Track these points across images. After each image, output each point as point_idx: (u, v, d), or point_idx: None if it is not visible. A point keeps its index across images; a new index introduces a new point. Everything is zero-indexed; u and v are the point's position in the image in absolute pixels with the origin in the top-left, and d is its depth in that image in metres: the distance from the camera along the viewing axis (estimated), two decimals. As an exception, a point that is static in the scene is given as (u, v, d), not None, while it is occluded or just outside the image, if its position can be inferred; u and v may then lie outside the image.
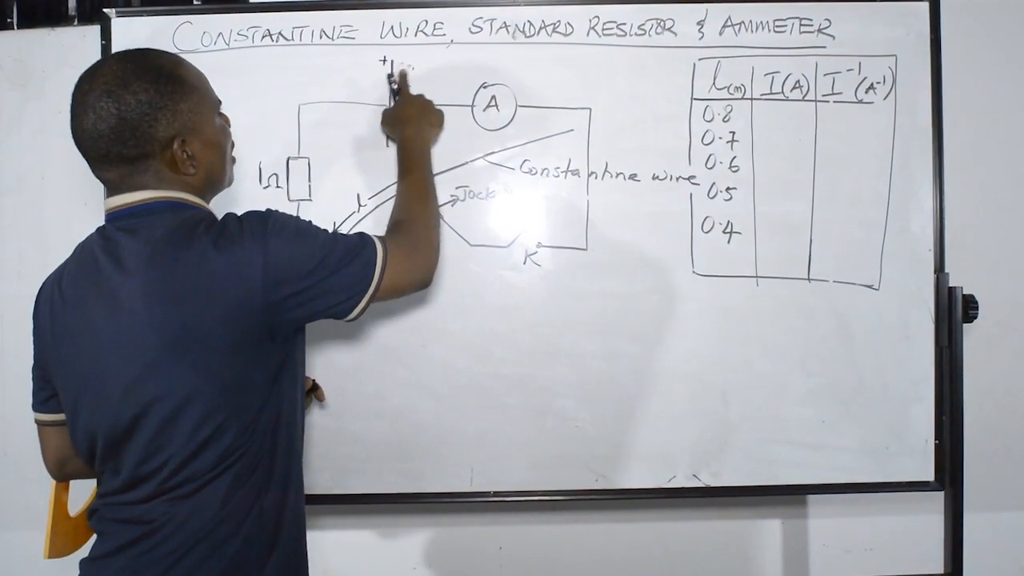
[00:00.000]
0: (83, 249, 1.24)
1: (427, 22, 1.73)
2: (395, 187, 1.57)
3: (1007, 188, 2.04)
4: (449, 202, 1.73)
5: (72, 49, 2.01)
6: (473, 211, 1.74)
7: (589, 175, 1.74)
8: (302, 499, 1.33)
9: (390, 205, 1.69)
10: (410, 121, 1.61)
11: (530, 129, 1.74)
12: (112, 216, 1.20)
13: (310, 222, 1.24)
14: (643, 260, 1.74)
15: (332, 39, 1.73)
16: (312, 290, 1.18)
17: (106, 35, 1.75)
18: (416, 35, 1.73)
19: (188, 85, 1.20)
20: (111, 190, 1.20)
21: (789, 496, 2.08)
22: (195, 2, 2.03)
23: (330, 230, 1.25)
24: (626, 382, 1.76)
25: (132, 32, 1.74)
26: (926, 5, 1.74)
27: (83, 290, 1.19)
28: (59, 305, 1.22)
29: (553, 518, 2.11)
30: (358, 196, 1.72)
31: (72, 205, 2.03)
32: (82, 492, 1.74)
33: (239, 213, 1.20)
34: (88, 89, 1.14)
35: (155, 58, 1.19)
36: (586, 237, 1.74)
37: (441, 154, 1.72)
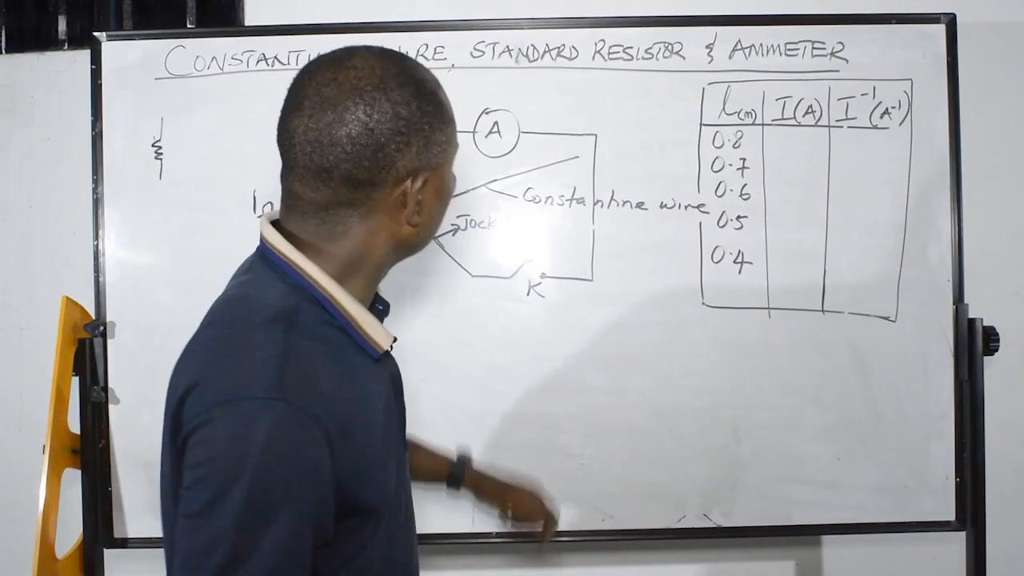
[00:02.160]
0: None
1: (427, 46, 1.69)
2: None
3: (1028, 215, 1.99)
4: (450, 231, 1.69)
5: (61, 74, 1.96)
6: (475, 241, 1.69)
7: (595, 203, 1.70)
8: None
9: None
10: None
11: (534, 156, 1.70)
12: (260, 248, 0.99)
13: (248, 507, 0.80)
14: (651, 291, 1.70)
15: (329, 63, 1.68)
16: (182, 494, 0.85)
17: (96, 59, 1.71)
18: (416, 59, 1.68)
19: (447, 115, 0.98)
20: (290, 211, 0.96)
21: (803, 537, 2.01)
22: (188, 25, 1.98)
23: (251, 537, 0.80)
24: (634, 418, 1.71)
25: (123, 56, 1.71)
26: (942, 27, 1.70)
27: None
28: None
29: (558, 559, 2.05)
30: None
31: (60, 234, 1.98)
32: (67, 533, 1.68)
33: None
34: (331, 80, 0.90)
35: (416, 69, 0.96)
36: (592, 267, 1.70)
37: (441, 182, 1.67)
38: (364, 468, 0.91)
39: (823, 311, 1.70)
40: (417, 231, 0.97)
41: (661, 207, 1.70)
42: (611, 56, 1.70)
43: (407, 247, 1.00)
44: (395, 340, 1.02)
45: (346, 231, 0.94)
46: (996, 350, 1.68)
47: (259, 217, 1.63)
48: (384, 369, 1.03)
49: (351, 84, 0.89)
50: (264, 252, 0.97)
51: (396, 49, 0.96)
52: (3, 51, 2.01)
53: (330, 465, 0.85)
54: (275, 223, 0.99)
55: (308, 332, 0.90)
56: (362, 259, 0.96)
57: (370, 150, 0.89)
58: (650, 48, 1.70)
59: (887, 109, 1.70)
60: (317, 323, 0.92)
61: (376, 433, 0.96)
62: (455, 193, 1.62)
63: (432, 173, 0.95)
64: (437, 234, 1.54)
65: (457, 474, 1.45)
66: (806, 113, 1.70)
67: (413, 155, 0.92)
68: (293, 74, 1.68)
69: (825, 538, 2.04)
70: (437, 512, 1.70)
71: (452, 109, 0.99)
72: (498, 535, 1.72)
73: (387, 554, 1.00)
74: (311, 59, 0.95)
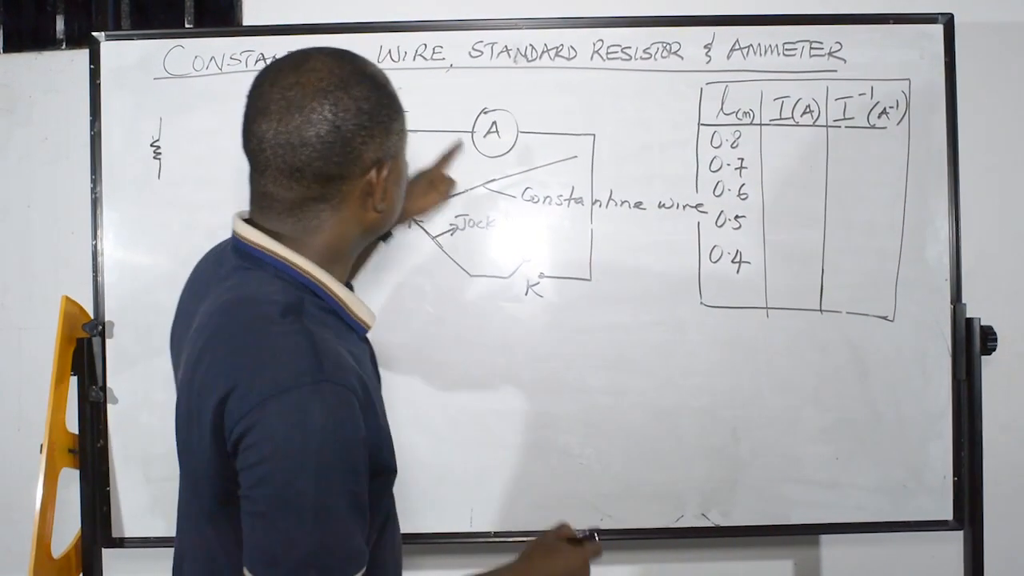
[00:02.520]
0: (205, 259, 1.17)
1: (426, 46, 1.69)
2: None
3: (1026, 215, 1.99)
4: (448, 231, 1.69)
5: (60, 74, 1.96)
6: (473, 240, 1.69)
7: (593, 203, 1.69)
8: None
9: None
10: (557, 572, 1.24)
11: (532, 156, 1.69)
12: (234, 244, 1.04)
13: (354, 469, 0.89)
14: (649, 291, 1.69)
15: (328, 63, 1.68)
16: (246, 494, 0.88)
17: (95, 59, 1.70)
18: (415, 59, 1.69)
19: (399, 105, 1.04)
20: (263, 212, 1.01)
21: (802, 536, 2.01)
22: (187, 25, 1.98)
23: (341, 518, 0.88)
24: (632, 417, 1.70)
25: (122, 56, 1.70)
26: (940, 27, 1.69)
27: (193, 299, 1.11)
28: (181, 308, 1.16)
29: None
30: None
31: (59, 234, 1.97)
32: (67, 532, 1.68)
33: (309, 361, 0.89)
34: (294, 84, 0.94)
35: (367, 65, 1.01)
36: (590, 267, 1.69)
37: (440, 182, 1.67)
38: (381, 432, 0.99)
39: (821, 311, 1.70)
40: (381, 216, 1.04)
41: (659, 207, 1.69)
42: (609, 56, 1.69)
43: (373, 231, 1.06)
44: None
45: (320, 224, 1.00)
46: (994, 349, 1.68)
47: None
48: (367, 347, 1.12)
49: (314, 86, 0.94)
50: (248, 252, 1.01)
51: (347, 48, 1.02)
52: (1, 51, 2.01)
53: (365, 431, 0.91)
54: (249, 223, 1.03)
55: (316, 319, 0.96)
56: (338, 247, 1.02)
57: (339, 146, 0.94)
58: (648, 48, 1.69)
59: (885, 109, 1.70)
60: (317, 310, 0.98)
61: (380, 402, 1.03)
62: (453, 193, 1.65)
63: (392, 161, 1.02)
64: (435, 234, 1.56)
65: None
66: (804, 113, 1.69)
67: (377, 146, 0.98)
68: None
69: (824, 537, 2.03)
70: (435, 512, 1.70)
71: (399, 99, 1.04)
72: (496, 535, 1.72)
73: (393, 515, 1.12)
74: (267, 65, 1.00)
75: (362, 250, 1.28)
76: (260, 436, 0.85)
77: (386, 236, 1.52)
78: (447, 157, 1.62)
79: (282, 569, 0.85)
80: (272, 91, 0.95)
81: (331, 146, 0.94)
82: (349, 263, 1.08)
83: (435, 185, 1.59)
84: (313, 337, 0.91)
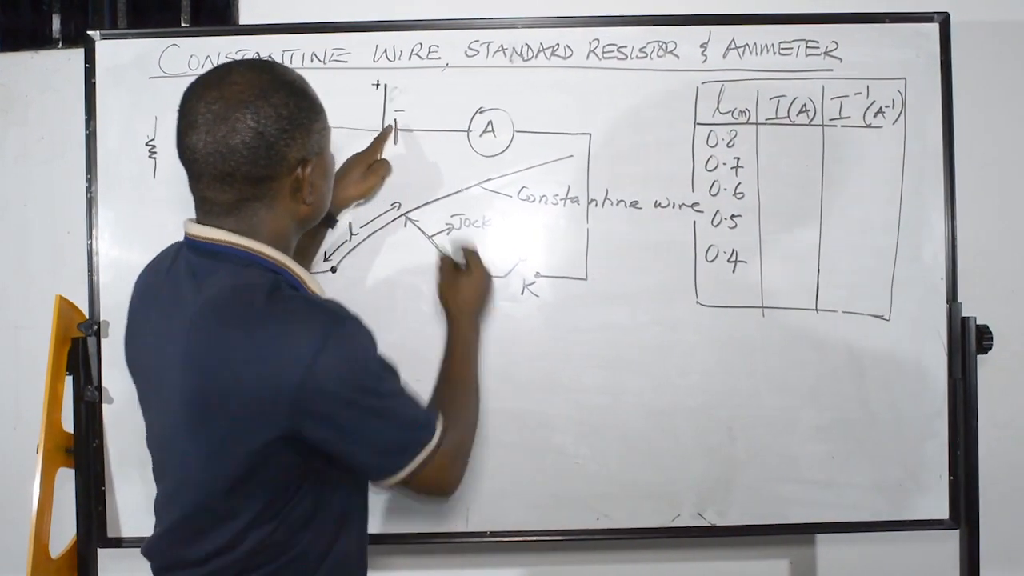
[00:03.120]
0: (156, 269, 1.23)
1: (422, 45, 1.69)
2: (387, 215, 1.60)
3: (1022, 214, 1.98)
4: (444, 230, 1.68)
5: (56, 73, 1.96)
6: (469, 240, 1.68)
7: (589, 202, 1.69)
8: None
9: (382, 235, 1.67)
10: (473, 299, 1.52)
11: (528, 155, 1.69)
12: (190, 243, 1.15)
13: (380, 360, 1.12)
14: (645, 290, 1.69)
15: (323, 62, 1.68)
16: (342, 429, 1.06)
17: (90, 58, 1.70)
18: (410, 58, 1.68)
19: (318, 104, 1.16)
20: (206, 215, 1.12)
21: (798, 536, 2.02)
22: (183, 24, 1.98)
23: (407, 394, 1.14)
24: (628, 417, 1.70)
25: (117, 55, 1.70)
26: (936, 26, 1.69)
27: (145, 315, 1.20)
28: (132, 325, 1.24)
29: (553, 559, 2.05)
30: (350, 225, 1.67)
31: (54, 233, 1.98)
32: (63, 532, 1.68)
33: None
34: (218, 98, 1.05)
35: (284, 71, 1.13)
36: (586, 267, 1.69)
37: (435, 181, 1.68)
38: None
39: (817, 310, 1.70)
40: (312, 207, 1.17)
41: (655, 206, 1.69)
42: (605, 55, 1.69)
43: (307, 220, 1.20)
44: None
45: (259, 220, 1.12)
46: (989, 348, 1.68)
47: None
48: None
49: (236, 98, 1.05)
50: (212, 249, 1.11)
51: (266, 57, 1.19)
52: (-3, 50, 2.01)
53: None
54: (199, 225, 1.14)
55: (294, 292, 1.12)
56: (278, 237, 1.14)
57: (264, 150, 1.06)
58: (644, 47, 1.69)
59: (881, 108, 1.69)
60: (287, 287, 1.11)
61: None
62: (449, 193, 1.65)
63: (316, 158, 1.14)
64: (431, 233, 1.56)
65: None
66: (800, 112, 1.69)
67: (299, 146, 1.10)
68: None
69: (820, 537, 2.04)
70: (431, 512, 1.70)
71: (319, 99, 1.17)
72: (492, 534, 1.71)
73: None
74: (193, 80, 1.11)
75: (309, 238, 1.52)
76: (328, 379, 1.01)
77: (331, 222, 1.59)
78: (380, 140, 1.64)
79: (407, 452, 1.10)
80: (199, 105, 1.06)
81: (256, 151, 1.05)
82: (291, 249, 1.19)
83: (374, 169, 1.61)
84: (311, 299, 1.09)
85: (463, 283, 1.53)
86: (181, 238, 1.15)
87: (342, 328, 1.04)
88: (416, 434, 1.12)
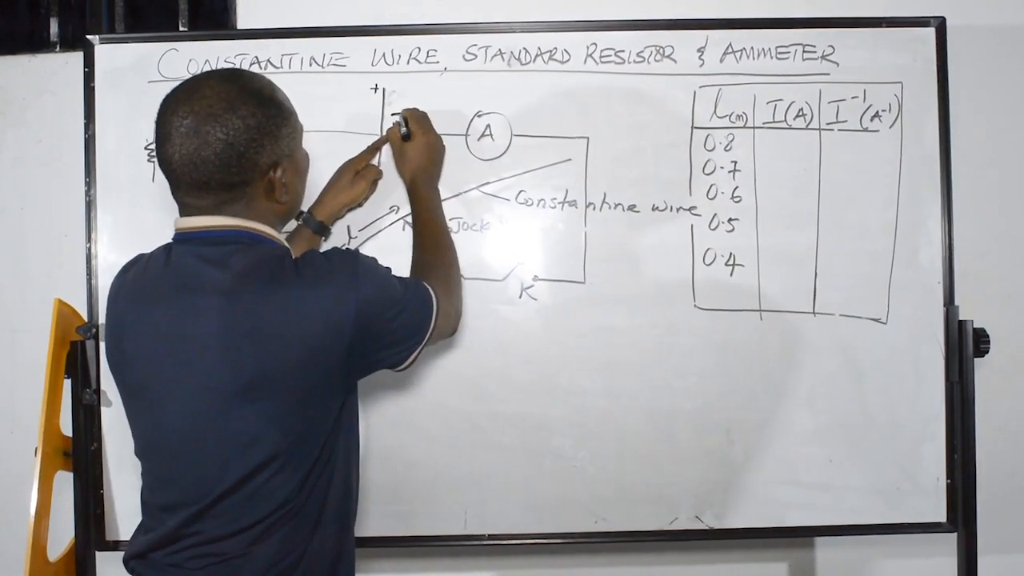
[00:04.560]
0: (147, 268, 1.23)
1: (420, 49, 1.69)
2: (385, 218, 1.63)
3: (1019, 218, 1.99)
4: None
5: (54, 76, 1.96)
6: (467, 243, 1.68)
7: (587, 206, 1.70)
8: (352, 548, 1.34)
9: (381, 237, 1.68)
10: (423, 163, 1.58)
11: (526, 159, 1.69)
12: (185, 237, 1.19)
13: (389, 269, 1.25)
14: (643, 294, 1.69)
15: (322, 67, 1.69)
16: (388, 337, 1.21)
17: (89, 62, 1.70)
18: (409, 62, 1.69)
19: (286, 109, 1.21)
20: (191, 213, 1.18)
21: (796, 539, 2.02)
22: (181, 28, 1.98)
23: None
24: (626, 420, 1.70)
25: (116, 59, 1.70)
26: (932, 31, 1.70)
27: (146, 313, 1.18)
28: (123, 327, 1.21)
29: (551, 561, 2.05)
30: (348, 228, 1.67)
31: (53, 236, 1.98)
32: (61, 536, 1.68)
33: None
34: (188, 112, 1.11)
35: (251, 80, 1.18)
36: (584, 270, 1.69)
37: (434, 185, 1.67)
38: None
39: (814, 313, 1.70)
40: (286, 206, 1.23)
41: (653, 210, 1.70)
42: (603, 59, 1.70)
43: (284, 218, 1.29)
44: None
45: (240, 222, 1.17)
46: (987, 352, 1.68)
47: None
48: None
49: (206, 112, 1.11)
50: (218, 236, 1.16)
51: (235, 67, 1.27)
52: (-6, 53, 2.01)
53: None
54: None
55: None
56: (264, 235, 1.20)
57: (235, 159, 1.12)
58: (642, 52, 1.70)
59: (878, 112, 1.70)
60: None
61: None
62: (447, 196, 1.65)
63: (288, 159, 1.20)
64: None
65: None
66: (797, 116, 1.70)
67: (269, 151, 1.16)
68: (286, 77, 1.69)
69: (818, 540, 2.04)
70: (429, 514, 1.70)
71: (290, 102, 1.23)
72: (490, 537, 1.71)
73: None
74: (168, 93, 1.17)
75: (305, 246, 1.54)
76: (372, 302, 1.15)
77: (325, 232, 1.61)
78: (373, 147, 1.65)
79: (424, 326, 1.26)
80: (172, 119, 1.12)
81: (228, 160, 1.12)
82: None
83: (363, 175, 1.62)
84: (322, 252, 1.20)
85: (409, 151, 1.58)
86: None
87: (359, 260, 1.18)
88: (427, 307, 1.26)
